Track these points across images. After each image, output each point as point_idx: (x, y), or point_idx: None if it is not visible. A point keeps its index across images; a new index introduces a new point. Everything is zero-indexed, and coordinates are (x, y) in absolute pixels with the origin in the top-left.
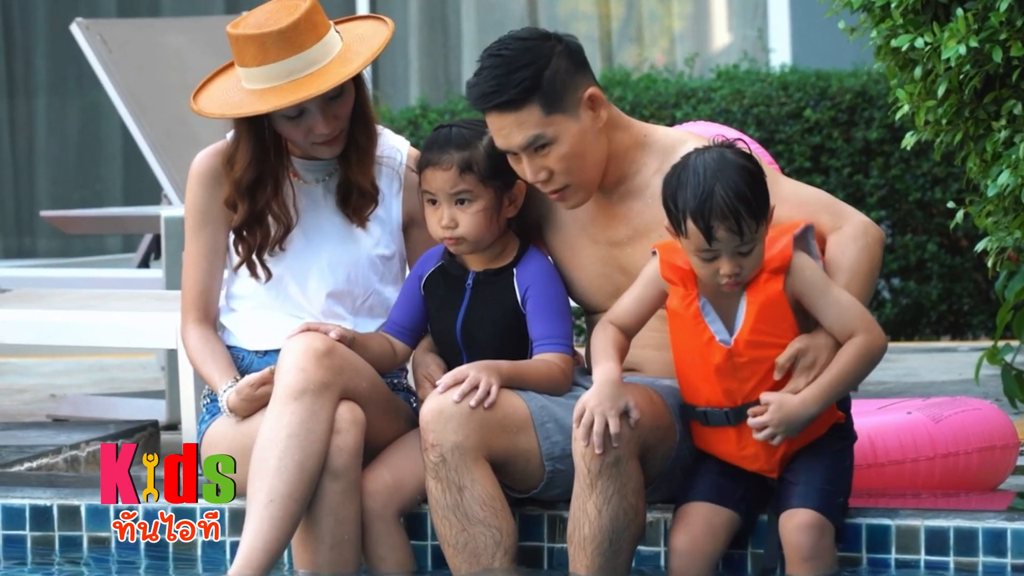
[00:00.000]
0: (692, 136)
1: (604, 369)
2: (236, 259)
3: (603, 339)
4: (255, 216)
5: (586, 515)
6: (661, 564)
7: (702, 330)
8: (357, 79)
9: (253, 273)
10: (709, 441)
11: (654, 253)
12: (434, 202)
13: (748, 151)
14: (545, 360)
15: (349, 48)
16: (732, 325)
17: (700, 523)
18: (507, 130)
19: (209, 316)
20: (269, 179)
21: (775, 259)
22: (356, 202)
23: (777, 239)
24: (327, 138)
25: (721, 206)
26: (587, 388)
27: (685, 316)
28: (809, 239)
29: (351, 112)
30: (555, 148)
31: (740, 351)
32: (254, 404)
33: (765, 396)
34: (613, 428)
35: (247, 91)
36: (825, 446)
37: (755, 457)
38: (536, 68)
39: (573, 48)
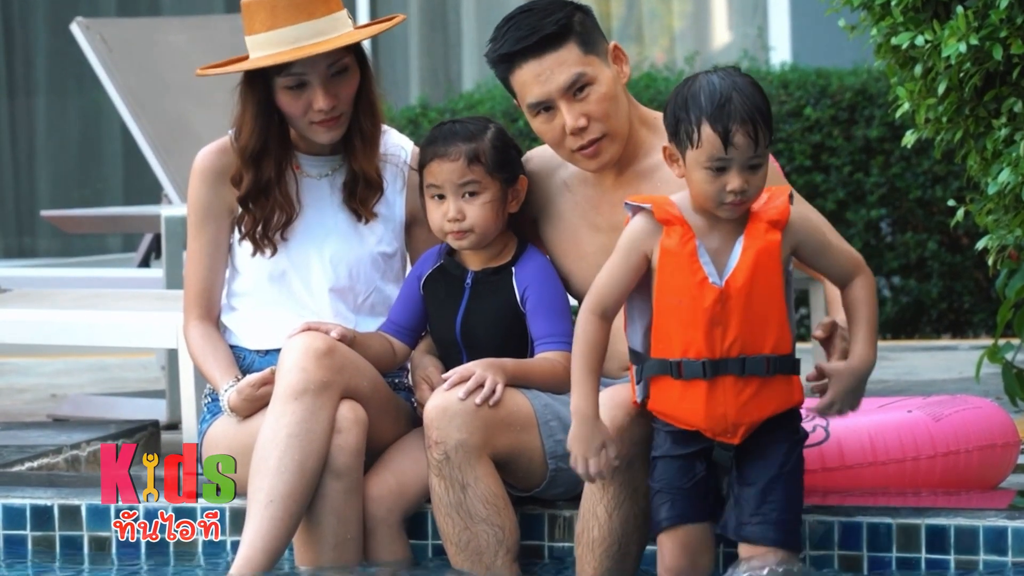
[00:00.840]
0: None
1: (579, 400)
2: (238, 243)
3: (582, 346)
4: (260, 188)
5: (596, 518)
6: None
7: (696, 269)
8: (364, 66)
9: (259, 247)
10: (673, 402)
11: (633, 210)
12: (439, 196)
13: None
14: (548, 359)
15: (358, 30)
16: (723, 272)
17: (695, 545)
18: (547, 73)
19: (211, 313)
20: (274, 151)
21: (774, 211)
22: (362, 192)
23: (775, 195)
24: (325, 115)
25: (740, 110)
26: None
27: (680, 255)
28: None
29: (355, 98)
30: (595, 89)
31: (731, 294)
32: (255, 404)
33: (823, 367)
34: (594, 469)
35: (253, 60)
36: (782, 439)
37: (723, 417)
38: (566, 13)
39: (587, 9)
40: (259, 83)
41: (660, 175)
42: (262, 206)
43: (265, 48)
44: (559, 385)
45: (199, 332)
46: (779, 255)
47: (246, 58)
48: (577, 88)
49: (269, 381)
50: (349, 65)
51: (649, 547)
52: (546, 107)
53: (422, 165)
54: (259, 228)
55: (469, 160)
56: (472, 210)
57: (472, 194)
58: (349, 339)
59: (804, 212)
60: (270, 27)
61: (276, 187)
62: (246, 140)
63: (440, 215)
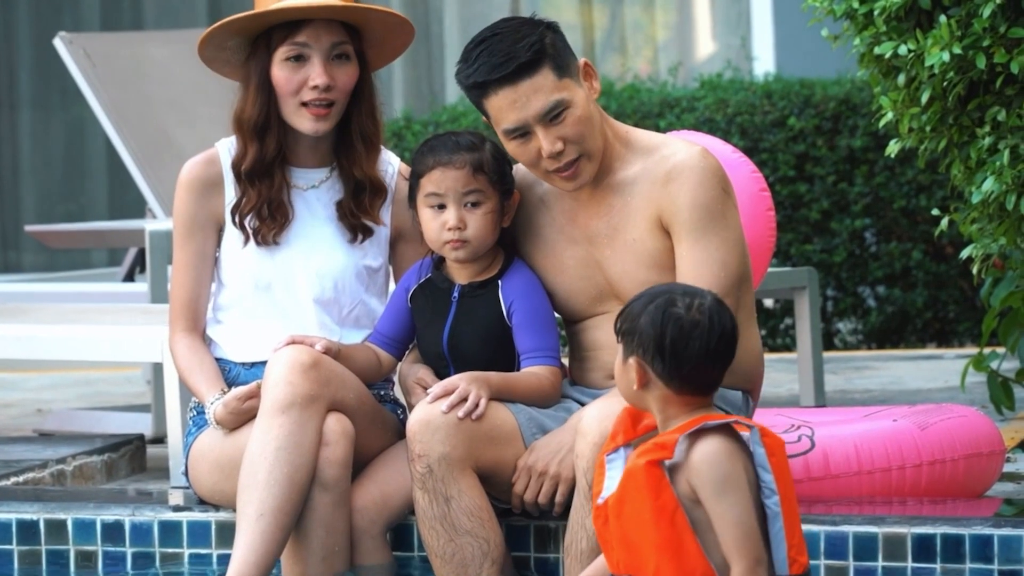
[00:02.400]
0: (674, 138)
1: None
2: (239, 249)
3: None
4: (265, 165)
5: (585, 530)
6: None
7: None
8: (365, 68)
9: (264, 229)
10: None
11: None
12: (440, 206)
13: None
14: (534, 373)
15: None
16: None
17: None
18: (523, 100)
19: (197, 326)
20: (275, 129)
21: (666, 440)
22: (368, 199)
23: (687, 427)
24: (319, 95)
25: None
26: (575, 400)
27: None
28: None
29: (357, 100)
30: (571, 112)
31: (608, 514)
32: (241, 417)
33: None
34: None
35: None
36: None
37: None
38: (537, 37)
39: (556, 27)
40: (263, 56)
41: (634, 188)
42: (259, 188)
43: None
44: (544, 399)
45: (185, 345)
46: (655, 487)
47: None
48: (555, 114)
49: (255, 395)
50: (350, 55)
51: None
52: (522, 132)
53: (420, 174)
54: (254, 216)
55: (474, 169)
56: (473, 220)
57: (474, 204)
58: (334, 351)
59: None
60: None
61: (273, 178)
62: (249, 113)
63: (439, 224)
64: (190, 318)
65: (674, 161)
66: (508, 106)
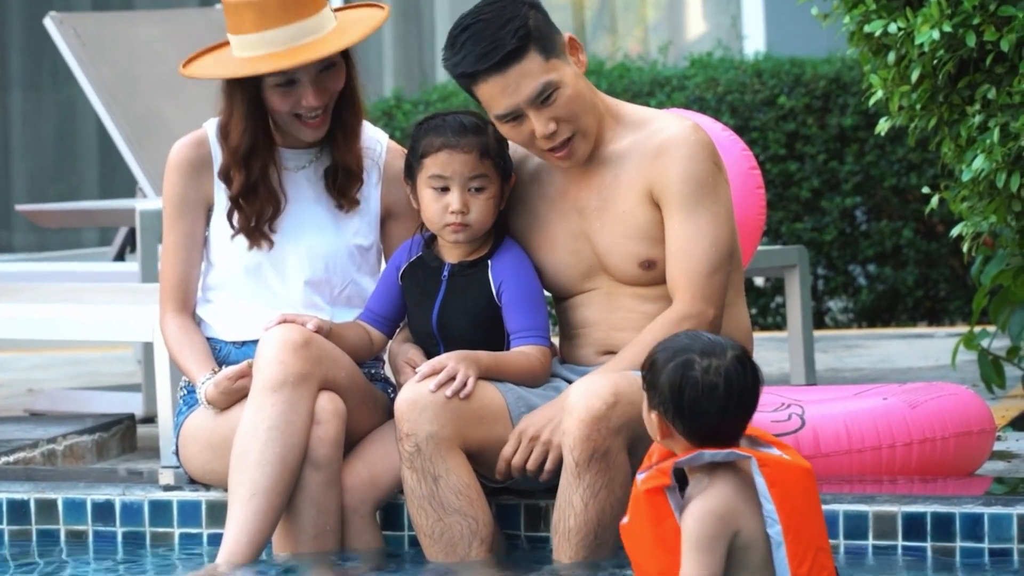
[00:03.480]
0: (664, 112)
1: None
2: (229, 232)
3: None
4: (251, 186)
5: (572, 507)
6: None
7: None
8: (348, 58)
9: (256, 242)
10: None
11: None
12: (443, 188)
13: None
14: (523, 352)
15: (344, 24)
16: None
17: None
18: (513, 86)
19: (188, 306)
20: (263, 150)
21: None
22: (342, 182)
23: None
24: (314, 111)
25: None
26: (564, 379)
27: None
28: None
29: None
30: (561, 93)
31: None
32: (232, 397)
33: None
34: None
35: (240, 59)
36: None
37: None
38: (521, 19)
39: (538, 5)
40: (248, 82)
41: (624, 161)
42: (252, 204)
43: (256, 48)
44: (534, 379)
45: (175, 324)
46: (656, 515)
47: (226, 44)
48: (545, 96)
49: (246, 374)
50: (336, 61)
51: None
52: (515, 116)
53: (424, 154)
54: (252, 223)
55: (481, 154)
56: (476, 204)
57: (479, 189)
58: (325, 330)
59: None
60: (261, 28)
61: (263, 183)
62: (237, 140)
63: (441, 207)
64: (180, 298)
65: (665, 135)
66: (499, 93)
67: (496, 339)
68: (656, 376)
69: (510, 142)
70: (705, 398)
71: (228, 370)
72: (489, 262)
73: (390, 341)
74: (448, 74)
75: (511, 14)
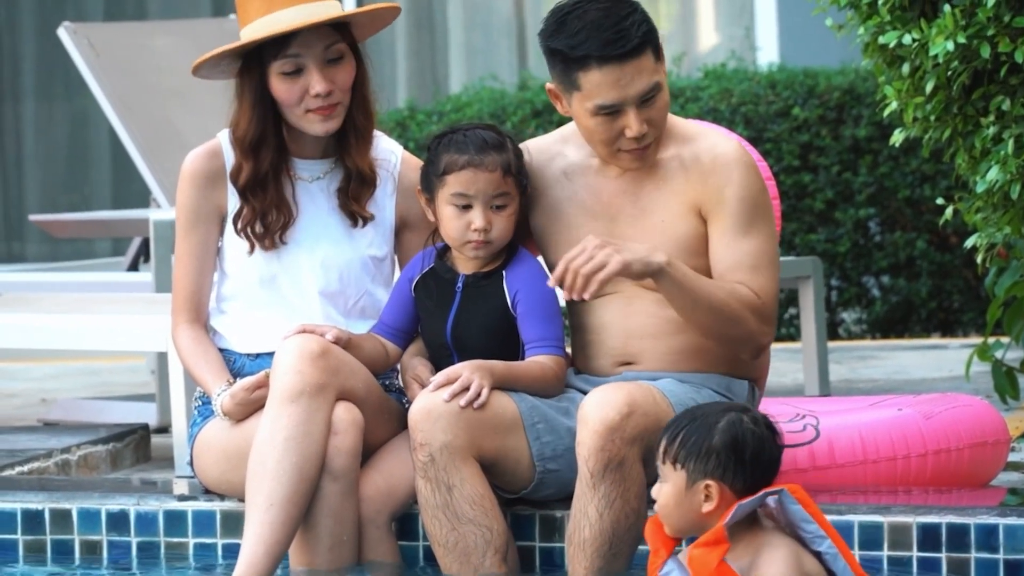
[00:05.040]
0: (710, 127)
1: None
2: (243, 243)
3: None
4: (259, 179)
5: (587, 518)
6: None
7: None
8: (359, 59)
9: (257, 243)
10: None
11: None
12: (466, 206)
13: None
14: (538, 362)
15: (355, 10)
16: None
17: None
18: (627, 79)
19: (200, 316)
20: (271, 142)
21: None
22: (354, 189)
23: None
24: (322, 102)
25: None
26: (579, 390)
27: None
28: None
29: (350, 92)
30: (661, 96)
31: None
32: (249, 408)
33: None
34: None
35: (249, 33)
36: None
37: None
38: (641, 15)
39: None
40: (255, 71)
41: (668, 172)
42: (260, 199)
43: (260, 32)
44: (548, 388)
45: (188, 335)
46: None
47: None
48: (649, 96)
49: (263, 384)
50: (344, 53)
51: (642, 547)
52: (614, 111)
53: (446, 171)
54: (258, 224)
55: (504, 172)
56: (499, 222)
57: (501, 207)
58: (344, 341)
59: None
60: (267, 11)
61: (273, 182)
62: (244, 129)
63: (463, 224)
64: (193, 309)
65: (718, 152)
66: (611, 84)
67: (511, 349)
68: (703, 444)
69: (535, 145)
70: (766, 445)
71: (245, 381)
72: (504, 272)
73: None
74: (462, 83)
75: (630, 8)
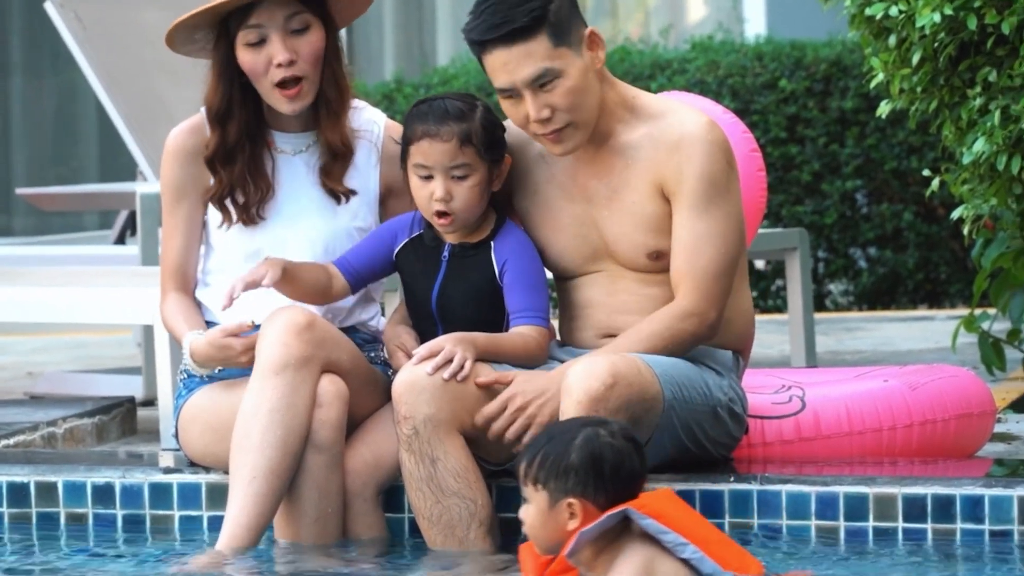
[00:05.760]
0: (682, 105)
1: None
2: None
3: None
4: (227, 151)
5: None
6: None
7: None
8: (329, 30)
9: (240, 216)
10: None
11: None
12: (427, 176)
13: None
14: (521, 333)
15: None
16: None
17: None
18: (514, 63)
19: (188, 289)
20: (238, 115)
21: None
22: (328, 165)
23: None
24: (285, 72)
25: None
26: (561, 361)
27: None
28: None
29: (320, 65)
30: (561, 82)
31: None
32: (219, 353)
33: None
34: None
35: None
36: None
37: None
38: (542, 1)
39: None
40: (223, 43)
41: (637, 152)
42: (228, 172)
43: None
44: (531, 359)
45: (174, 300)
46: None
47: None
48: (544, 82)
49: (238, 331)
50: (310, 24)
51: None
52: (512, 94)
53: (409, 141)
54: (233, 197)
55: (461, 142)
56: (460, 192)
57: (461, 177)
58: (278, 273)
59: None
60: None
61: (246, 156)
62: (210, 100)
63: (427, 194)
64: (180, 281)
65: (683, 130)
66: (500, 67)
67: (497, 320)
68: (561, 462)
69: (514, 126)
70: (625, 457)
71: (223, 326)
72: (492, 243)
73: (384, 325)
74: (450, 55)
75: None
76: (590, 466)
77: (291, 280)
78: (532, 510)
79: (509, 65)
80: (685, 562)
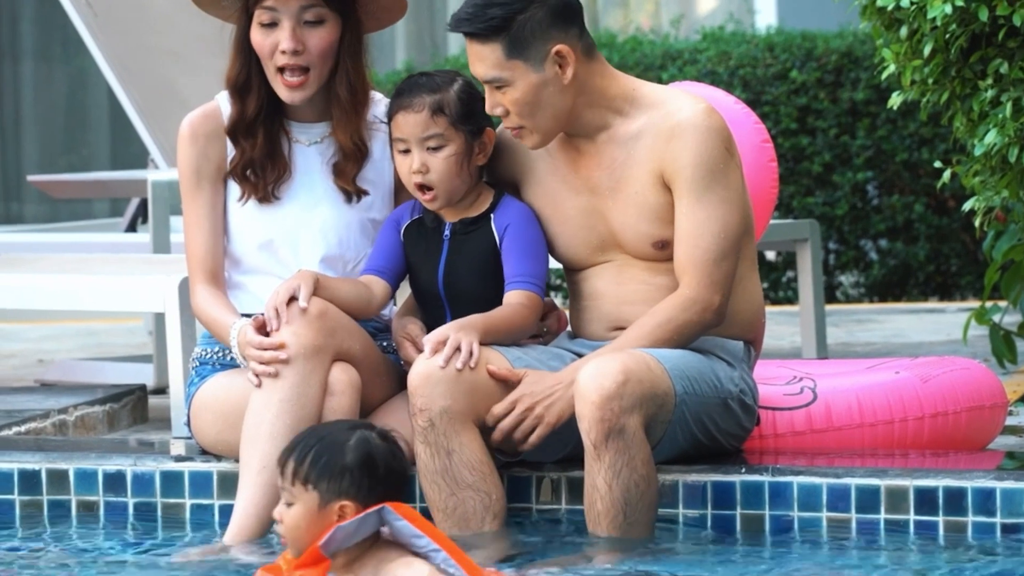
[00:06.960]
0: (681, 92)
1: None
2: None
3: None
4: (246, 123)
5: (597, 491)
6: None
7: None
8: (349, 29)
9: (254, 191)
10: None
11: None
12: (405, 150)
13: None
14: (508, 303)
15: None
16: None
17: None
18: (472, 58)
19: (217, 277)
20: (256, 89)
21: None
22: (340, 164)
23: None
24: (288, 60)
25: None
26: (576, 354)
27: None
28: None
29: (330, 60)
30: (509, 91)
31: None
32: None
33: None
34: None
35: None
36: None
37: None
38: (511, 9)
39: (560, 3)
40: (243, 16)
41: (637, 143)
42: (251, 144)
43: None
44: (524, 327)
45: (206, 292)
46: None
47: None
48: (495, 85)
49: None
50: (326, 18)
51: (664, 510)
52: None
53: (389, 118)
54: (250, 171)
55: (433, 112)
56: (436, 163)
57: (435, 148)
58: (311, 289)
59: None
60: None
61: (265, 133)
62: (231, 71)
63: (407, 168)
64: (209, 269)
65: (678, 118)
66: (468, 54)
67: (503, 293)
68: (336, 463)
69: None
70: (395, 460)
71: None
72: (492, 215)
73: (392, 315)
74: (460, 45)
75: (515, 2)
76: (365, 468)
77: (328, 292)
78: (298, 511)
79: (470, 57)
80: (437, 568)
